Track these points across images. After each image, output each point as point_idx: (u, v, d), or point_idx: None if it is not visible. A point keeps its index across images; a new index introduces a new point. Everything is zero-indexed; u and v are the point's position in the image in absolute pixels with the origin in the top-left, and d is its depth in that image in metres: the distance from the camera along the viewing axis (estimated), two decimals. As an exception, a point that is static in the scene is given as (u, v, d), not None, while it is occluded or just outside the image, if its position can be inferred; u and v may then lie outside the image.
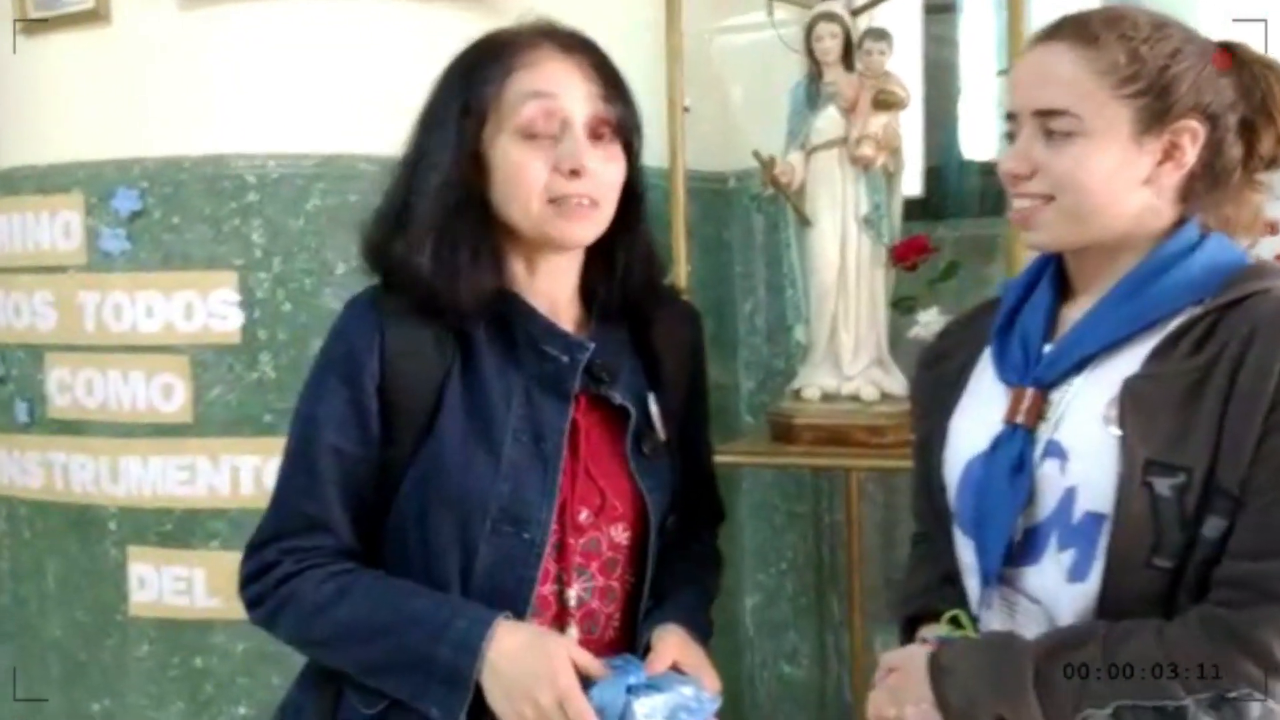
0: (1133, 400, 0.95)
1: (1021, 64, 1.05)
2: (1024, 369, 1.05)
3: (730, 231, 2.26)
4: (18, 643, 2.07)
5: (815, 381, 1.93)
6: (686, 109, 1.85)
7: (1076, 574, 0.98)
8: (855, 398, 1.90)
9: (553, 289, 1.10)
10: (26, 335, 1.99)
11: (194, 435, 1.89)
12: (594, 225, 1.06)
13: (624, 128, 1.07)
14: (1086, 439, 0.98)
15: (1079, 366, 1.02)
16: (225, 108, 1.90)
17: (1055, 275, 1.10)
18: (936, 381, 1.16)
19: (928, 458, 1.13)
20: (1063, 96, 0.99)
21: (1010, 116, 1.04)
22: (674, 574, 1.15)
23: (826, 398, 1.91)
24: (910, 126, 2.11)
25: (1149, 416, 0.94)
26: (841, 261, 1.89)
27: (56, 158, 1.96)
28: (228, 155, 1.89)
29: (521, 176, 1.03)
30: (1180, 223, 1.02)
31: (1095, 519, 0.97)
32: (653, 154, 1.94)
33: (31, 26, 1.93)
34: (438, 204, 1.03)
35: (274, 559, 1.04)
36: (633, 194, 1.10)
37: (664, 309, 1.17)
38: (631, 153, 1.09)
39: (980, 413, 1.08)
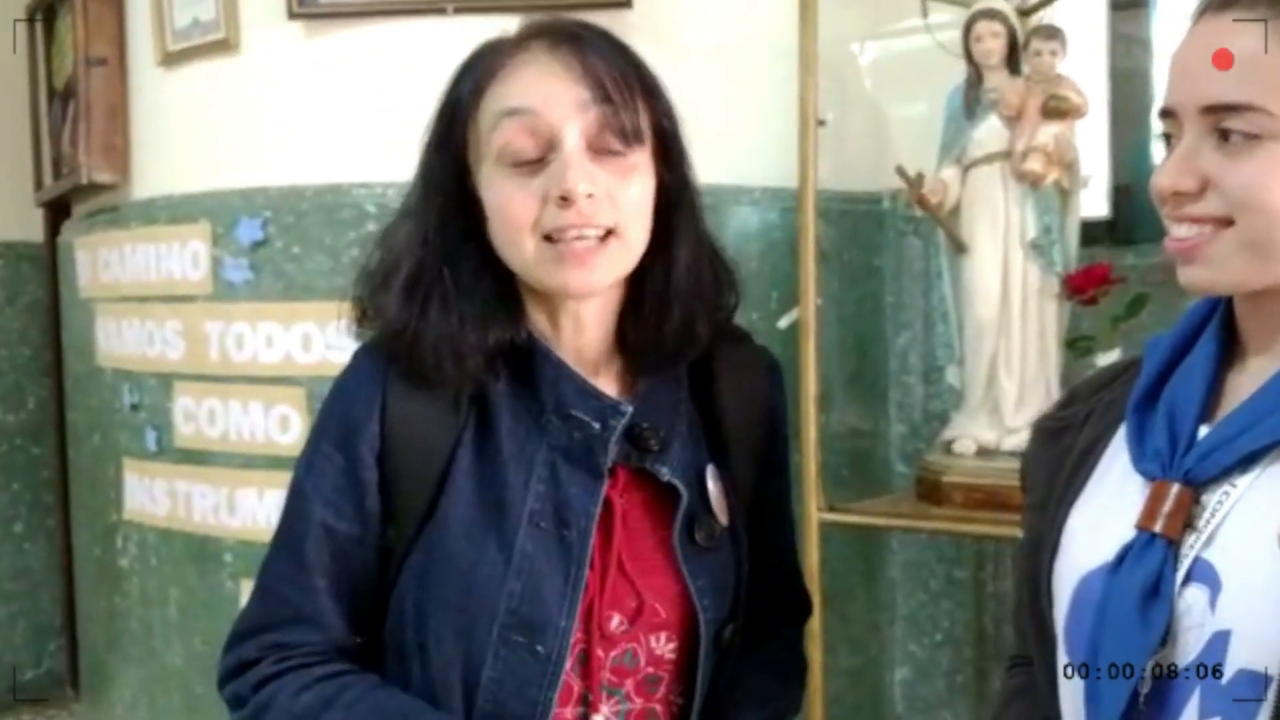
0: None
1: (1185, 43, 0.78)
2: (1169, 458, 0.78)
3: (883, 258, 2.03)
4: (144, 669, 2.09)
5: (970, 433, 1.67)
6: (822, 123, 1.66)
7: None
8: (1019, 454, 1.63)
9: (583, 339, 0.91)
10: (157, 364, 2.01)
11: (308, 469, 1.84)
12: (609, 266, 0.86)
13: (639, 133, 0.85)
14: (1250, 566, 0.71)
15: (1246, 461, 0.75)
16: (344, 136, 1.86)
17: (1222, 328, 0.82)
18: (1056, 462, 0.89)
19: (1037, 561, 0.87)
20: (1244, 85, 0.72)
21: (1166, 114, 0.77)
22: (739, 689, 0.94)
23: (983, 453, 1.65)
24: (1094, 138, 1.85)
25: None
26: (1003, 293, 1.64)
27: (187, 188, 1.98)
28: (346, 184, 1.85)
29: (508, 212, 0.85)
30: None
31: (1256, 682, 0.70)
32: (793, 173, 1.81)
33: (169, 59, 1.96)
34: (420, 257, 0.88)
35: (254, 656, 0.90)
36: (669, 210, 0.89)
37: (731, 358, 0.96)
38: (669, 159, 0.89)
39: (1107, 512, 0.81)
